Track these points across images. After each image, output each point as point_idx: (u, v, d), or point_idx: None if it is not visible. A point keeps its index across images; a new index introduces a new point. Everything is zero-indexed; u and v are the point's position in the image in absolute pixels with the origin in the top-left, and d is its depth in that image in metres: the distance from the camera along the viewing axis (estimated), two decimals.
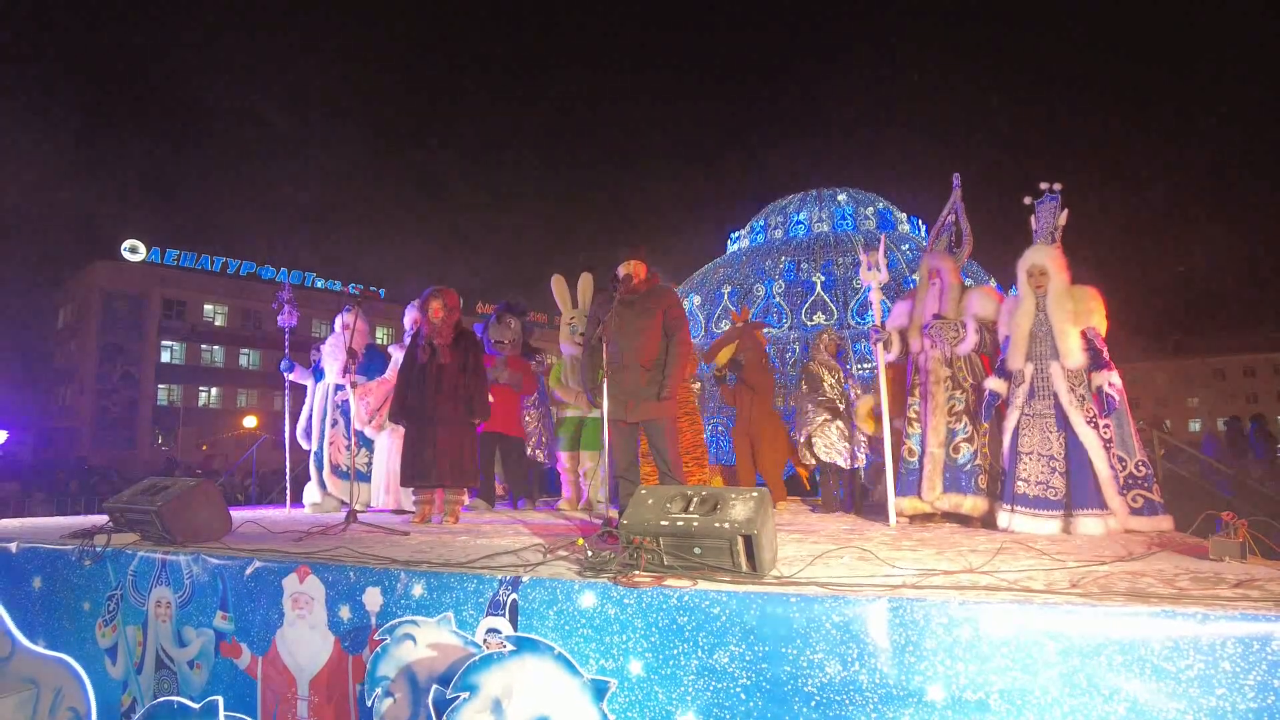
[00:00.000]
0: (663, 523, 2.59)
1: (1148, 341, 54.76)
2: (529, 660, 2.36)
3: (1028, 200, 4.31)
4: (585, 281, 6.33)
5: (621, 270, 4.41)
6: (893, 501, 4.48)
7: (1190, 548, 3.09)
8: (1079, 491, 3.83)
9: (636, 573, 2.51)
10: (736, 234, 18.67)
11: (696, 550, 2.56)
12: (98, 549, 3.63)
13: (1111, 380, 3.85)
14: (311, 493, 6.07)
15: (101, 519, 4.18)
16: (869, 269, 4.85)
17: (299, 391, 6.30)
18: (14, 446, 24.57)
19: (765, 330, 7.25)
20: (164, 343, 38.80)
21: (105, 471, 14.91)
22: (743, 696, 2.28)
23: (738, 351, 6.16)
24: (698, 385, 6.44)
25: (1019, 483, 3.97)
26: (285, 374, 5.90)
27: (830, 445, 5.54)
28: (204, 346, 40.20)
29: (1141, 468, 3.89)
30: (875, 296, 4.85)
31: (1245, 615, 1.91)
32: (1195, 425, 50.20)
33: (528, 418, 6.67)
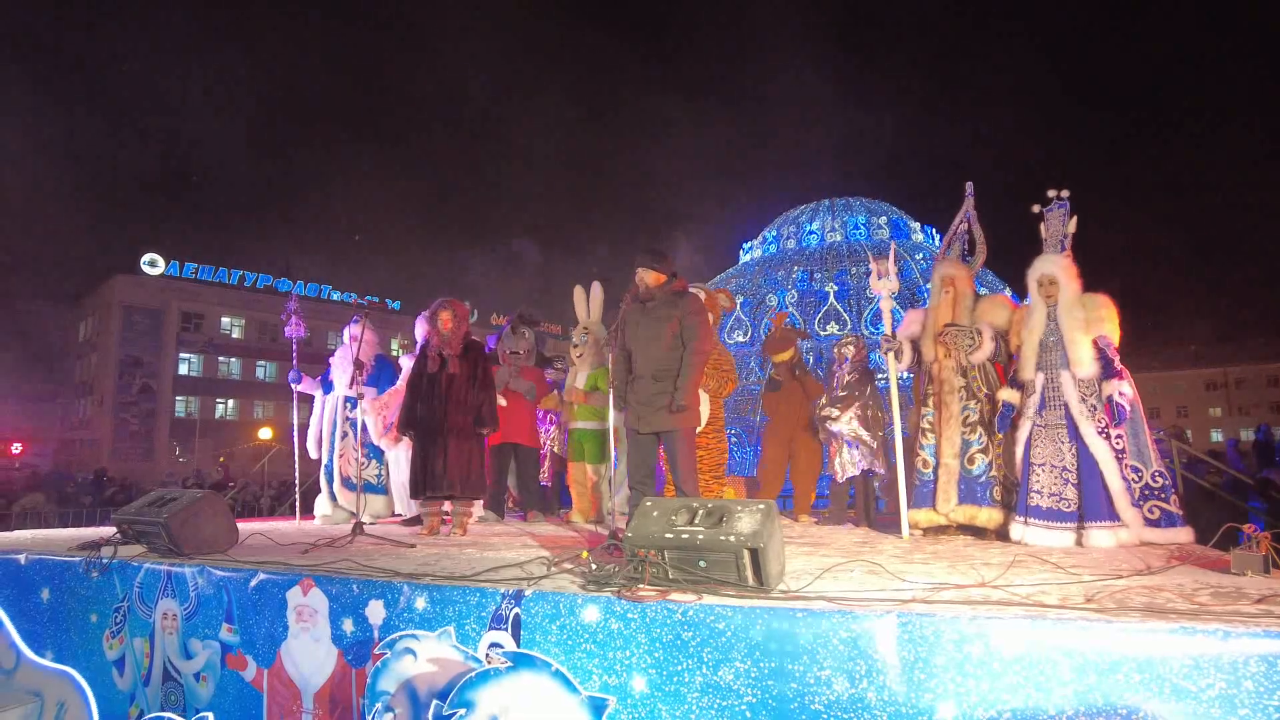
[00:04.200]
0: (668, 535, 2.55)
1: (1167, 351, 54.10)
2: (526, 677, 2.32)
3: (1036, 208, 4.25)
4: (593, 292, 6.31)
5: (635, 277, 4.37)
6: (906, 514, 4.41)
7: (1211, 561, 3.02)
8: (1090, 503, 3.75)
9: (641, 586, 2.47)
10: (749, 244, 18.64)
11: (702, 563, 2.52)
12: (104, 561, 3.63)
13: (1122, 390, 3.77)
14: (322, 504, 6.06)
15: (111, 531, 4.19)
16: (879, 277, 4.80)
17: (311, 403, 6.30)
18: (33, 458, 24.86)
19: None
20: (182, 355, 39.20)
21: (111, 483, 14.94)
22: (748, 715, 2.23)
23: (795, 353, 6.15)
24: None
25: (1032, 494, 3.89)
26: (293, 385, 5.91)
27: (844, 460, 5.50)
28: (221, 359, 40.57)
29: (1158, 478, 3.80)
30: (886, 305, 4.79)
31: (1269, 632, 1.84)
32: (1217, 435, 49.41)
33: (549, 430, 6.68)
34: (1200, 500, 6.77)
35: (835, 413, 5.44)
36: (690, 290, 4.55)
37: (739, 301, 15.80)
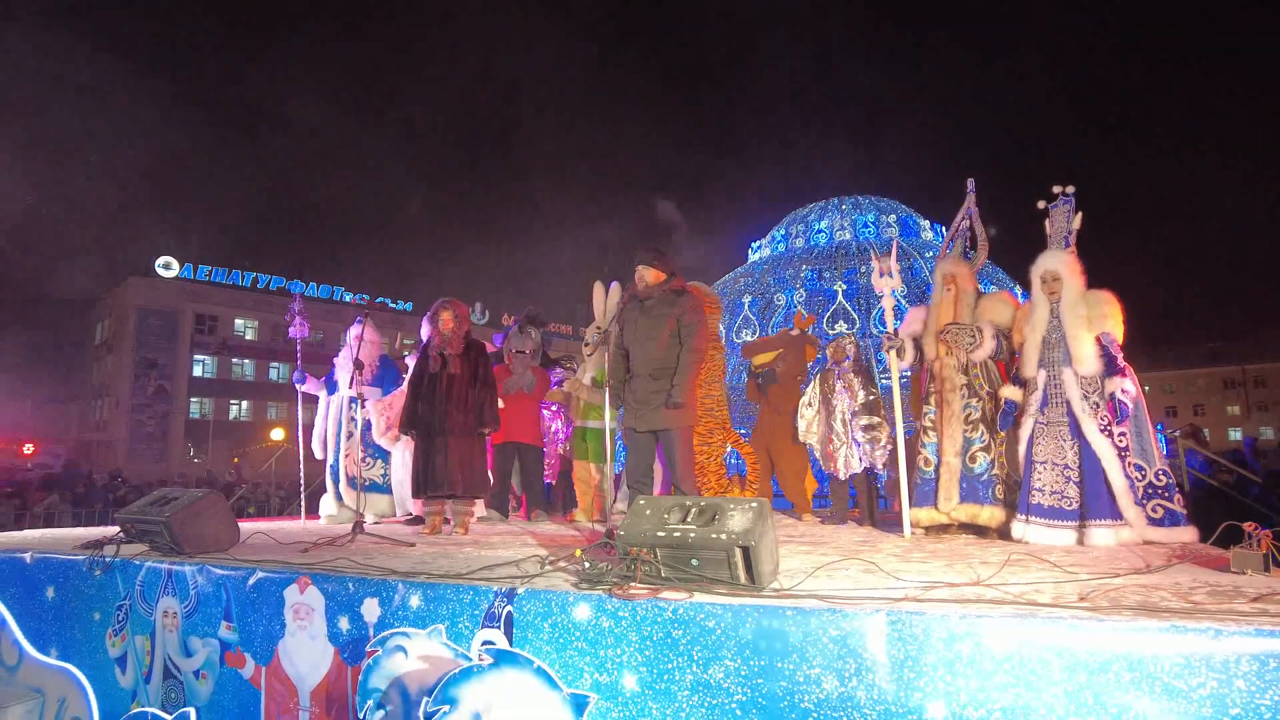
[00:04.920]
0: (660, 533, 2.54)
1: (1184, 348, 53.55)
2: (508, 674, 2.33)
3: (1041, 205, 4.22)
4: (613, 292, 6.30)
5: (635, 275, 4.38)
6: (907, 512, 4.39)
7: (1212, 560, 2.98)
8: (1092, 501, 3.71)
9: (632, 584, 2.46)
10: (758, 243, 18.60)
11: (694, 562, 2.51)
12: (107, 559, 3.66)
13: (1125, 387, 3.74)
14: (327, 504, 6.09)
15: (115, 529, 4.23)
16: (881, 275, 4.78)
17: (316, 403, 6.34)
18: (49, 459, 25.20)
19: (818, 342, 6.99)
20: (196, 357, 39.58)
21: (123, 484, 15.09)
22: (738, 713, 2.22)
23: (777, 360, 6.07)
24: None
25: (1034, 492, 3.86)
26: (298, 386, 5.95)
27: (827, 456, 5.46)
28: (235, 360, 40.93)
29: (1162, 476, 3.76)
30: (888, 303, 4.77)
31: (1261, 631, 1.81)
32: (1236, 434, 48.80)
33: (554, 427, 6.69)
34: (1211, 499, 6.69)
35: (867, 419, 5.33)
36: (689, 289, 4.54)
37: (747, 300, 15.78)
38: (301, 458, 6.12)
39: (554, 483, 6.88)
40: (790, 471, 5.89)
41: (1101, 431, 3.76)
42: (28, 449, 25.68)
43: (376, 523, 5.70)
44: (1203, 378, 53.51)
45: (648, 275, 4.32)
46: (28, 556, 3.99)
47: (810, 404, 5.60)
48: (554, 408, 6.77)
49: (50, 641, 3.82)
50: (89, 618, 3.71)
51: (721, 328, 15.10)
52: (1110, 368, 3.82)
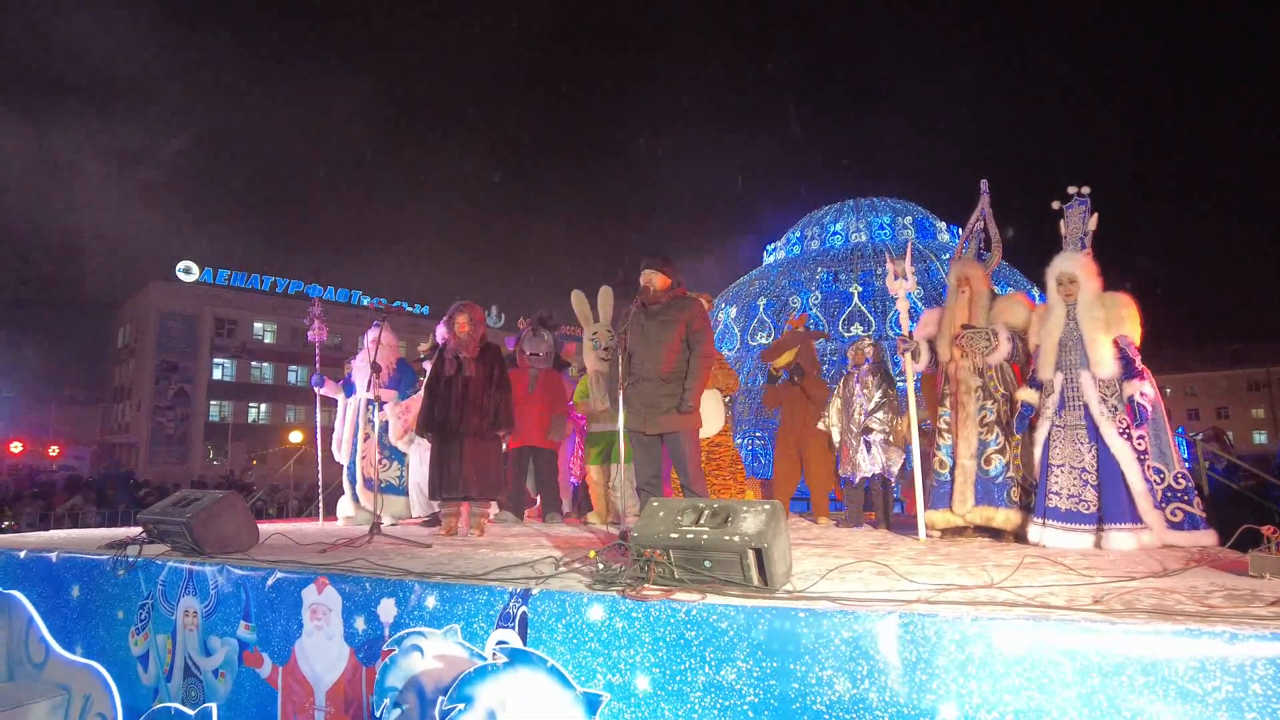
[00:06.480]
0: (673, 535, 2.56)
1: (1207, 349, 52.74)
2: (522, 673, 2.35)
3: (1055, 205, 4.20)
4: (604, 295, 6.34)
5: (641, 280, 4.42)
6: (922, 515, 4.37)
7: (1230, 563, 2.95)
8: (1111, 504, 3.69)
9: (645, 586, 2.48)
10: (773, 246, 18.57)
11: (707, 563, 2.52)
12: (130, 559, 3.73)
13: (1144, 390, 3.71)
14: (345, 506, 6.15)
15: (137, 530, 4.30)
16: (896, 278, 4.77)
17: (335, 406, 6.41)
18: (73, 461, 25.60)
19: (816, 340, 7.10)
20: (215, 360, 40.07)
21: (143, 485, 15.27)
22: (750, 714, 2.23)
23: (798, 357, 6.12)
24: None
25: (1050, 496, 3.84)
26: (316, 389, 6.02)
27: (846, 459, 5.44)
28: (254, 363, 41.39)
29: (1180, 480, 3.73)
30: (903, 305, 4.76)
31: (1278, 635, 1.80)
32: (1261, 437, 47.99)
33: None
34: (1233, 504, 6.61)
35: (880, 420, 5.34)
36: (692, 296, 4.59)
37: (763, 303, 15.76)
38: (320, 460, 6.19)
39: (581, 483, 6.90)
40: (820, 462, 5.89)
41: (1120, 435, 3.73)
42: (53, 450, 26.15)
43: (393, 524, 5.76)
44: (1226, 380, 52.61)
45: (655, 280, 4.36)
46: (54, 556, 4.06)
47: (836, 408, 5.62)
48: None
49: (75, 639, 3.89)
50: (113, 616, 3.77)
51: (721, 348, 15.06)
52: (1129, 370, 3.79)
